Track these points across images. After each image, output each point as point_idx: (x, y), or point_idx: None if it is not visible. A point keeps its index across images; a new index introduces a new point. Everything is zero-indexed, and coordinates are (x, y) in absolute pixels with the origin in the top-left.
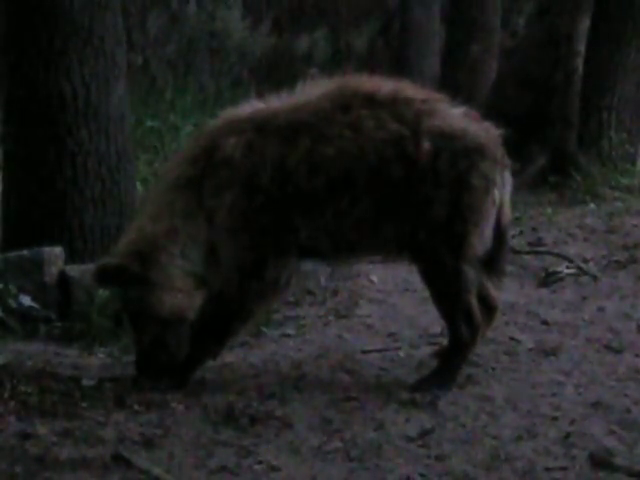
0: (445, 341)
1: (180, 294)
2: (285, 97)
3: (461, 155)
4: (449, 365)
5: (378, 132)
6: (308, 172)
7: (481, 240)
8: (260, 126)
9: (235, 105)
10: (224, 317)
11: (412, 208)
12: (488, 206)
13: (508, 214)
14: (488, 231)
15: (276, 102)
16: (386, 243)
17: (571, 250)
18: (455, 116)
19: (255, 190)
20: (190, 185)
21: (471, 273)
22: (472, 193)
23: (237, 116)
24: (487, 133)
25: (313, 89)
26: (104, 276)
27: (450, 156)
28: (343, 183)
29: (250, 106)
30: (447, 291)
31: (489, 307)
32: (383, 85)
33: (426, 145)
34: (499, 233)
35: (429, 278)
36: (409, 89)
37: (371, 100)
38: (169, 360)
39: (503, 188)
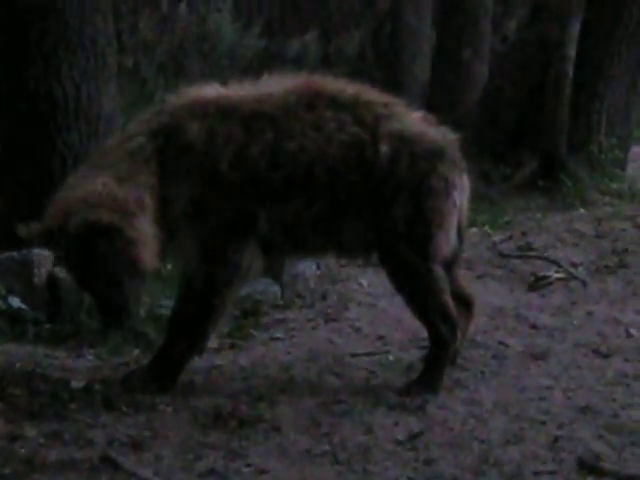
0: None
1: (150, 253)
2: (248, 86)
3: (420, 158)
4: (434, 366)
5: (339, 134)
6: (269, 165)
7: (447, 241)
8: (224, 112)
9: (197, 85)
10: (196, 308)
11: (374, 211)
12: (450, 208)
13: (465, 217)
14: (453, 232)
15: (240, 89)
16: (347, 244)
17: (560, 255)
18: (414, 120)
19: (214, 177)
20: (151, 163)
21: (441, 272)
22: (433, 195)
23: (202, 98)
24: (445, 137)
25: (278, 82)
26: (86, 228)
27: (409, 159)
28: (302, 180)
29: (214, 89)
30: (421, 293)
31: (466, 303)
32: (346, 88)
33: (384, 149)
34: (457, 235)
35: (400, 282)
36: (370, 93)
37: (334, 101)
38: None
39: (462, 191)
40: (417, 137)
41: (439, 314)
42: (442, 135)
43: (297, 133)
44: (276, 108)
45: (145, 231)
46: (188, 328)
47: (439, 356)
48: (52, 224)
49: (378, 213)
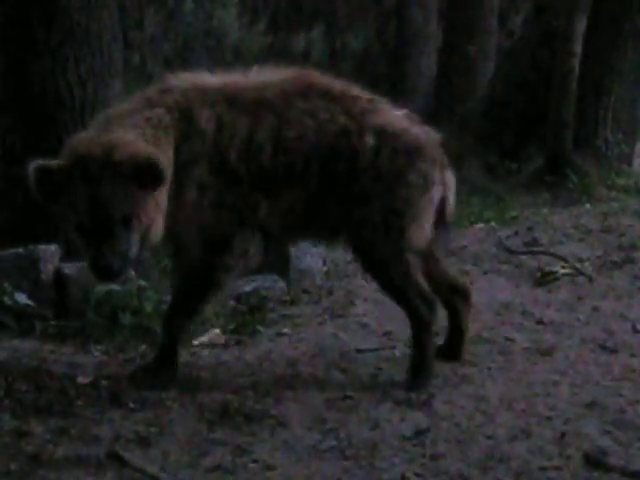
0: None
1: (159, 228)
2: (241, 75)
3: (401, 153)
4: (422, 349)
5: (330, 124)
6: (272, 152)
7: (422, 235)
8: (230, 101)
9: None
10: (195, 292)
11: (353, 200)
12: (426, 203)
13: (452, 212)
14: (428, 227)
15: (237, 78)
16: (330, 231)
17: (567, 250)
18: (397, 116)
19: (222, 167)
20: (169, 135)
21: (414, 259)
22: (409, 190)
23: (208, 85)
24: (427, 135)
25: (270, 73)
26: (135, 161)
27: (390, 153)
28: (300, 168)
29: (211, 77)
30: (396, 278)
31: (463, 293)
32: (333, 82)
33: (370, 140)
34: (443, 229)
35: (374, 270)
36: (356, 89)
37: (325, 93)
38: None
39: (445, 187)
40: (399, 133)
41: (416, 294)
42: (424, 133)
43: (295, 121)
44: (275, 95)
45: (164, 203)
46: (184, 310)
47: (423, 337)
48: (87, 155)
49: (357, 203)
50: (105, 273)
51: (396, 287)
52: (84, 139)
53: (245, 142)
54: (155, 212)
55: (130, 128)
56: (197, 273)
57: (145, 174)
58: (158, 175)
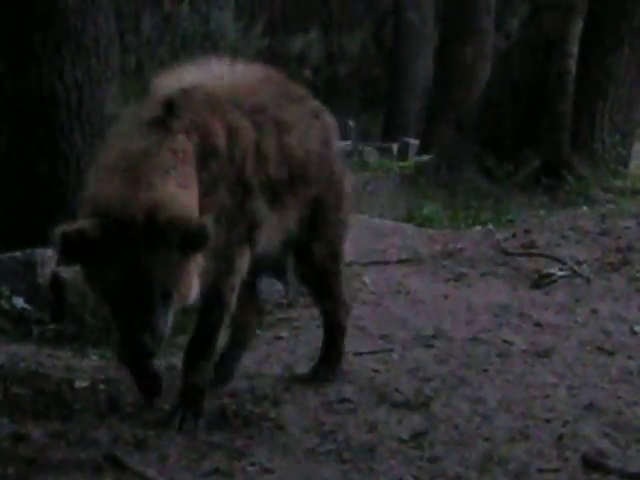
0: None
1: (196, 285)
2: (225, 74)
3: (342, 156)
4: (336, 350)
5: (312, 128)
6: (276, 162)
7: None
8: (237, 108)
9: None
10: (208, 321)
11: (317, 211)
12: (351, 209)
13: None
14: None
15: (217, 78)
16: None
17: (564, 252)
18: None
19: (240, 183)
20: (193, 167)
21: (343, 272)
22: (347, 197)
23: (212, 91)
24: None
25: (245, 69)
26: (180, 224)
27: (341, 157)
28: (298, 177)
29: (210, 79)
30: (333, 290)
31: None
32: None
33: (335, 142)
34: None
35: (317, 278)
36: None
37: (292, 92)
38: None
39: None
40: (337, 136)
41: (342, 306)
42: None
43: (292, 126)
44: (269, 99)
45: (201, 260)
46: (203, 342)
47: (339, 340)
48: (126, 217)
49: (317, 215)
50: (138, 354)
51: (331, 295)
52: (115, 195)
53: (255, 155)
54: (193, 277)
55: (161, 170)
56: (206, 300)
57: (191, 242)
58: (205, 242)
